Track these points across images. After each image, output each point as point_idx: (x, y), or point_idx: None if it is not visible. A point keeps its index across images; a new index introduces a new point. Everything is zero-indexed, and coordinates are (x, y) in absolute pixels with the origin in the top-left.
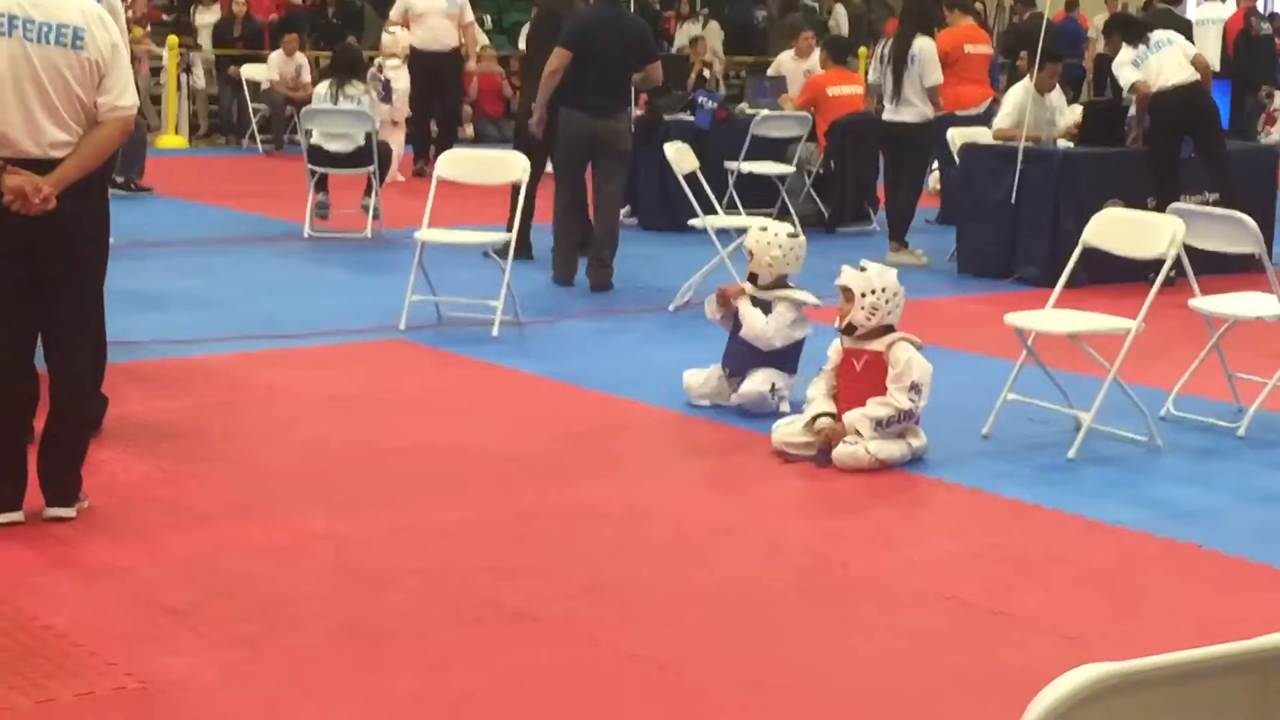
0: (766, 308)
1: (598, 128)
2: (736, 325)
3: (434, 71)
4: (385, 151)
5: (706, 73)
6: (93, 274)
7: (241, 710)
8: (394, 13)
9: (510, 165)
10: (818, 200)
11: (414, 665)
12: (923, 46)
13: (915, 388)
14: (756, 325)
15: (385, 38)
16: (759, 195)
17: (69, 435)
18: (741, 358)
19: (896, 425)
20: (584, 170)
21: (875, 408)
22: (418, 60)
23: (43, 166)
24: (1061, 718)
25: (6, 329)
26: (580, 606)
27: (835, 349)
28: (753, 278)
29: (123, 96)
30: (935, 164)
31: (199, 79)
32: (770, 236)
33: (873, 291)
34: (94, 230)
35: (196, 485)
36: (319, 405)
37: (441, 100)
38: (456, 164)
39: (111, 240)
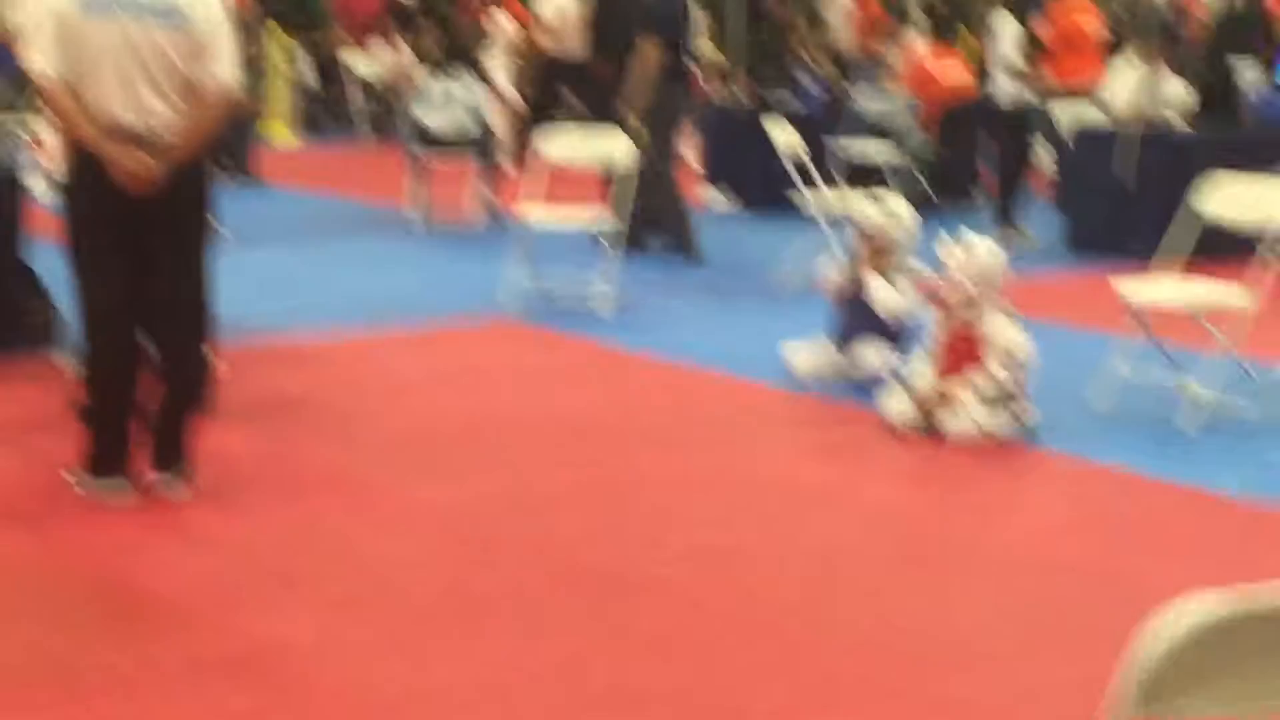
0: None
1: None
2: (850, 297)
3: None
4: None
5: (804, 54)
6: (198, 248)
7: (343, 672)
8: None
9: (616, 145)
10: (921, 180)
11: (514, 629)
12: (1003, 22)
13: (1010, 359)
14: (893, 301)
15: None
16: (861, 174)
17: (178, 409)
18: (852, 328)
19: (999, 397)
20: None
21: (977, 380)
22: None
23: (143, 138)
24: (1179, 649)
25: (115, 302)
26: (682, 571)
27: (939, 321)
28: (876, 256)
29: (225, 72)
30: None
31: (308, 73)
32: (894, 215)
33: (956, 279)
34: (199, 205)
35: (306, 459)
36: (428, 383)
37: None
38: (562, 144)
39: (223, 228)
